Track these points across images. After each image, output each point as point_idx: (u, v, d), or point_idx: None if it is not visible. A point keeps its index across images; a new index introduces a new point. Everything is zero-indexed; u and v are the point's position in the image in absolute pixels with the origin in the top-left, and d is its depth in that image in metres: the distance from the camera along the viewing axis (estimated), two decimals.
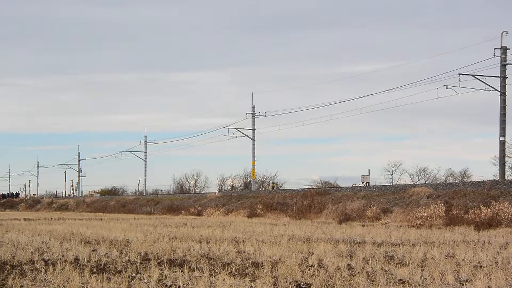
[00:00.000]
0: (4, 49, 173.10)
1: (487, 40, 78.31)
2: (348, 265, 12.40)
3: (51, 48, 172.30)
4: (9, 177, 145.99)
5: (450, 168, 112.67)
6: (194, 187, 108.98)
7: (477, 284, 9.97)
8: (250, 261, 13.23)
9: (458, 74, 43.54)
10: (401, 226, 29.26)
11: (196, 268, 12.11)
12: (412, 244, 17.59)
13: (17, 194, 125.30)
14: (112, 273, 11.40)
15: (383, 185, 49.90)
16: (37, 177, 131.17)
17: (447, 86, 43.89)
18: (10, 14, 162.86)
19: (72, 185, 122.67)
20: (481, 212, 28.81)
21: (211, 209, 53.00)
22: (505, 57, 43.03)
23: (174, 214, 56.51)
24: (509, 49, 43.16)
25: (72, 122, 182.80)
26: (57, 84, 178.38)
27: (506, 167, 46.73)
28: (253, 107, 68.59)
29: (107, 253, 14.94)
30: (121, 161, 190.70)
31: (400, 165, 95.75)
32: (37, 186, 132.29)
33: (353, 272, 11.42)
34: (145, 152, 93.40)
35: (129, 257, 14.06)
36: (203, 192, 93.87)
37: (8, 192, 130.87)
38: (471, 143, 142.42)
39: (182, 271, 11.37)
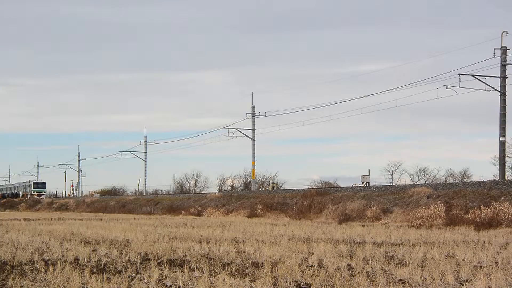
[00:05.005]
0: (4, 49, 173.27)
1: (487, 40, 78.33)
2: (348, 265, 12.40)
3: (51, 48, 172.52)
4: (9, 177, 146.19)
5: (450, 168, 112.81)
6: (194, 187, 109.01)
7: (477, 284, 9.97)
8: (250, 261, 13.22)
9: (458, 74, 43.56)
10: (401, 226, 29.25)
11: (196, 268, 12.10)
12: (412, 244, 17.58)
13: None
14: (112, 273, 11.39)
15: (383, 185, 49.88)
16: (37, 177, 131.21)
17: (447, 86, 43.89)
18: (10, 14, 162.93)
19: (72, 185, 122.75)
20: (481, 212, 28.81)
21: (211, 209, 52.98)
22: (505, 57, 43.02)
23: (174, 214, 56.48)
24: (509, 49, 43.16)
25: (72, 122, 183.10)
26: (57, 84, 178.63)
27: (506, 167, 46.73)
28: (253, 107, 68.62)
29: (107, 253, 14.93)
30: (121, 161, 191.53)
31: (400, 165, 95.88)
32: None
33: (353, 272, 11.42)
34: (145, 152, 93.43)
35: (129, 257, 14.05)
36: (203, 192, 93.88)
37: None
38: (471, 143, 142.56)
39: (182, 271, 11.37)
